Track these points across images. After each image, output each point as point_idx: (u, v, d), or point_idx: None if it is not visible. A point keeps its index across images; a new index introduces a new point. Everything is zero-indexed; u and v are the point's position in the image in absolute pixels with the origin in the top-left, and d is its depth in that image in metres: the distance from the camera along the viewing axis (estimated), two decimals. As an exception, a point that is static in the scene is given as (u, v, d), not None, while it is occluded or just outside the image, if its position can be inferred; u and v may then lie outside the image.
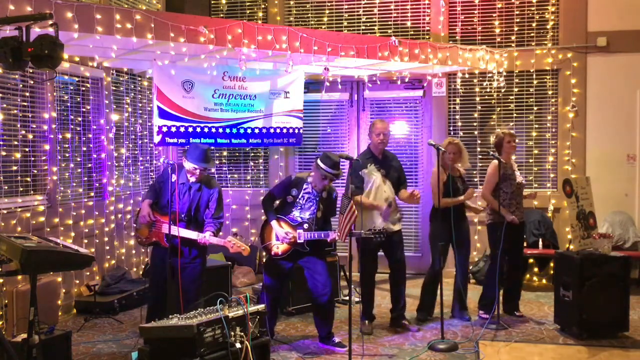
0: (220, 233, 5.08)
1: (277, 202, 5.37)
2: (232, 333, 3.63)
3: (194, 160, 4.86)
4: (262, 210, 5.41)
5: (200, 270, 5.10)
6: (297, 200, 5.21)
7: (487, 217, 6.14)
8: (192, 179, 4.95)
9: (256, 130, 7.40)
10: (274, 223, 5.19)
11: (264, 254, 5.35)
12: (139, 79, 7.76)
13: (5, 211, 5.51)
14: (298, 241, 5.13)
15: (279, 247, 5.19)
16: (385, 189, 5.66)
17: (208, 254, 6.98)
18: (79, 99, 6.68)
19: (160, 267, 4.97)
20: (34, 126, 6.02)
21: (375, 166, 5.67)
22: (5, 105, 5.67)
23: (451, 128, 8.14)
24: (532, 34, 7.96)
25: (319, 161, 5.10)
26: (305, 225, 5.15)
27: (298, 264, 5.30)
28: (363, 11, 8.32)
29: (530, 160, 8.01)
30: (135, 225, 5.22)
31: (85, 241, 6.56)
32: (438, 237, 5.82)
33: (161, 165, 7.85)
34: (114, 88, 7.22)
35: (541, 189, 7.98)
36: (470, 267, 7.50)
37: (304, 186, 5.23)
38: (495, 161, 5.98)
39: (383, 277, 6.18)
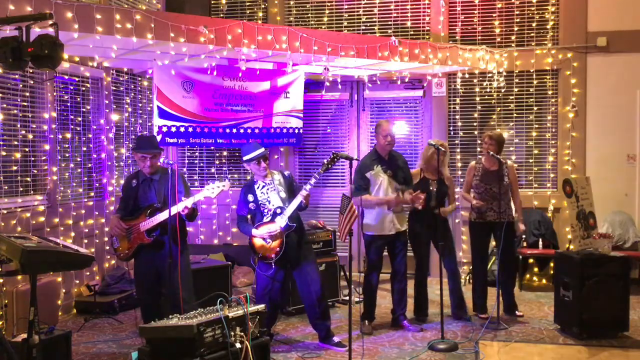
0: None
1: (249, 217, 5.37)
2: (232, 333, 3.63)
3: (140, 149, 4.95)
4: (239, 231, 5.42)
5: (186, 263, 5.11)
6: (259, 200, 5.22)
7: (469, 216, 6.22)
8: (147, 170, 5.01)
9: (256, 130, 7.40)
10: (253, 231, 5.19)
11: (258, 261, 5.30)
12: (139, 79, 7.76)
13: (5, 211, 5.51)
14: (281, 227, 5.10)
15: (271, 247, 5.16)
16: (392, 190, 5.65)
17: (208, 254, 7.03)
18: (79, 99, 6.68)
19: (145, 268, 5.01)
20: (34, 126, 6.03)
21: (382, 167, 5.66)
22: (5, 105, 5.68)
23: (451, 128, 8.14)
24: (532, 34, 7.96)
25: (243, 158, 5.24)
26: (278, 210, 5.15)
27: (290, 272, 5.30)
28: (363, 11, 8.31)
29: (530, 160, 8.01)
30: (113, 246, 5.20)
31: (85, 241, 6.56)
32: (417, 237, 5.90)
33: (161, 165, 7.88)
34: (114, 88, 7.22)
35: (541, 189, 7.98)
36: (470, 267, 7.50)
37: (255, 185, 5.28)
38: (472, 162, 6.19)
39: (383, 277, 6.17)
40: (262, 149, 5.24)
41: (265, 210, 5.20)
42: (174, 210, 4.77)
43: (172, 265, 4.75)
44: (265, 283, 5.25)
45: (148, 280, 5.03)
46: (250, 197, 5.26)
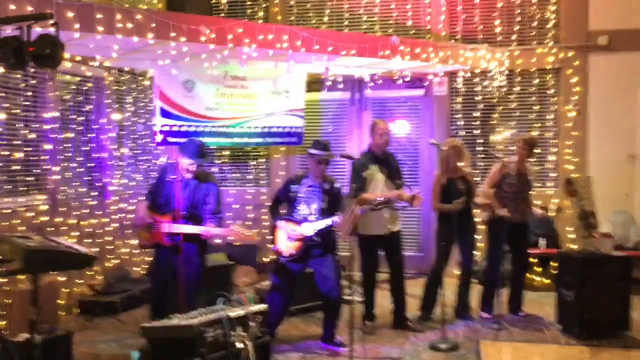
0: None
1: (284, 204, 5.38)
2: (234, 333, 3.64)
3: (189, 155, 4.89)
4: (268, 214, 5.42)
5: (201, 269, 5.11)
6: (299, 195, 5.21)
7: (487, 214, 6.18)
8: (188, 175, 4.95)
9: (257, 130, 7.39)
10: (279, 223, 5.20)
11: (274, 257, 5.33)
12: (140, 78, 7.76)
13: (7, 211, 5.52)
14: (306, 235, 5.10)
15: (290, 247, 5.17)
16: (387, 189, 5.66)
17: (209, 253, 7.02)
18: (80, 99, 6.69)
19: (163, 267, 4.98)
20: (36, 126, 6.03)
21: (378, 167, 5.66)
22: (7, 105, 5.68)
23: (452, 127, 8.13)
24: (533, 33, 7.95)
25: (309, 149, 5.23)
26: (311, 218, 5.13)
27: (308, 264, 5.27)
28: (364, 10, 8.31)
29: (532, 160, 7.98)
30: (136, 228, 5.23)
31: (88, 241, 6.57)
32: (441, 237, 5.84)
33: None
34: (115, 87, 7.22)
35: (542, 188, 7.97)
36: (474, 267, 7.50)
37: (303, 180, 5.26)
38: (505, 160, 6.13)
39: (383, 277, 6.17)
40: (329, 152, 5.20)
41: (300, 209, 5.20)
42: (192, 229, 4.80)
43: (183, 266, 4.78)
44: (280, 280, 5.27)
45: (162, 278, 4.99)
46: (294, 187, 5.24)
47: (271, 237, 5.34)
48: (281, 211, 5.39)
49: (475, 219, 6.18)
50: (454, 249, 6.01)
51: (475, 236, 6.20)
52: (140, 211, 5.01)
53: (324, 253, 5.21)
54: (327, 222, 5.07)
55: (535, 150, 7.88)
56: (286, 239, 5.17)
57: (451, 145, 5.92)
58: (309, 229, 5.09)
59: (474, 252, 6.24)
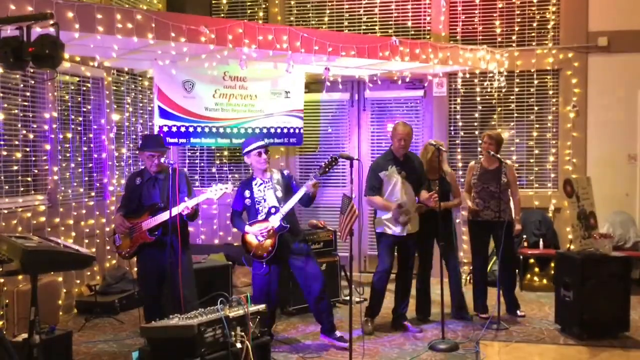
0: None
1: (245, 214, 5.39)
2: (233, 333, 3.64)
3: (149, 147, 5.01)
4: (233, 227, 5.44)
5: (189, 262, 5.14)
6: (255, 197, 5.24)
7: (467, 215, 6.28)
8: (153, 169, 5.04)
9: (257, 130, 7.39)
10: (246, 228, 5.20)
11: (252, 261, 5.33)
12: (140, 78, 7.76)
13: (6, 211, 5.52)
14: (275, 227, 5.10)
15: (264, 246, 5.15)
16: (405, 191, 5.62)
17: (208, 254, 7.03)
18: (79, 99, 6.69)
19: (149, 266, 5.02)
20: (35, 126, 6.03)
21: (396, 168, 5.63)
22: (6, 105, 5.68)
23: (452, 128, 8.13)
24: (532, 34, 7.95)
25: (244, 150, 5.31)
26: (273, 210, 5.15)
27: (289, 264, 5.29)
28: (364, 11, 8.31)
29: (531, 160, 8.00)
30: (115, 244, 5.23)
31: (86, 241, 6.57)
32: (421, 236, 5.88)
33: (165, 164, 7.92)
34: (114, 88, 7.22)
35: (542, 188, 7.98)
36: (471, 267, 7.50)
37: (253, 182, 5.31)
38: (472, 162, 6.29)
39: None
40: (264, 142, 5.33)
41: (260, 208, 5.21)
42: (175, 210, 4.79)
43: (174, 264, 4.76)
44: (261, 283, 5.25)
45: (151, 279, 5.04)
46: (247, 193, 5.28)
47: (242, 246, 5.31)
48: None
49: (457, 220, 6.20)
50: (439, 249, 6.02)
51: (459, 237, 6.21)
52: (118, 220, 5.09)
53: (306, 252, 5.26)
54: (292, 202, 5.09)
55: (537, 151, 7.97)
56: (258, 241, 5.16)
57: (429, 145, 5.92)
58: (276, 220, 5.11)
59: (459, 253, 6.23)
